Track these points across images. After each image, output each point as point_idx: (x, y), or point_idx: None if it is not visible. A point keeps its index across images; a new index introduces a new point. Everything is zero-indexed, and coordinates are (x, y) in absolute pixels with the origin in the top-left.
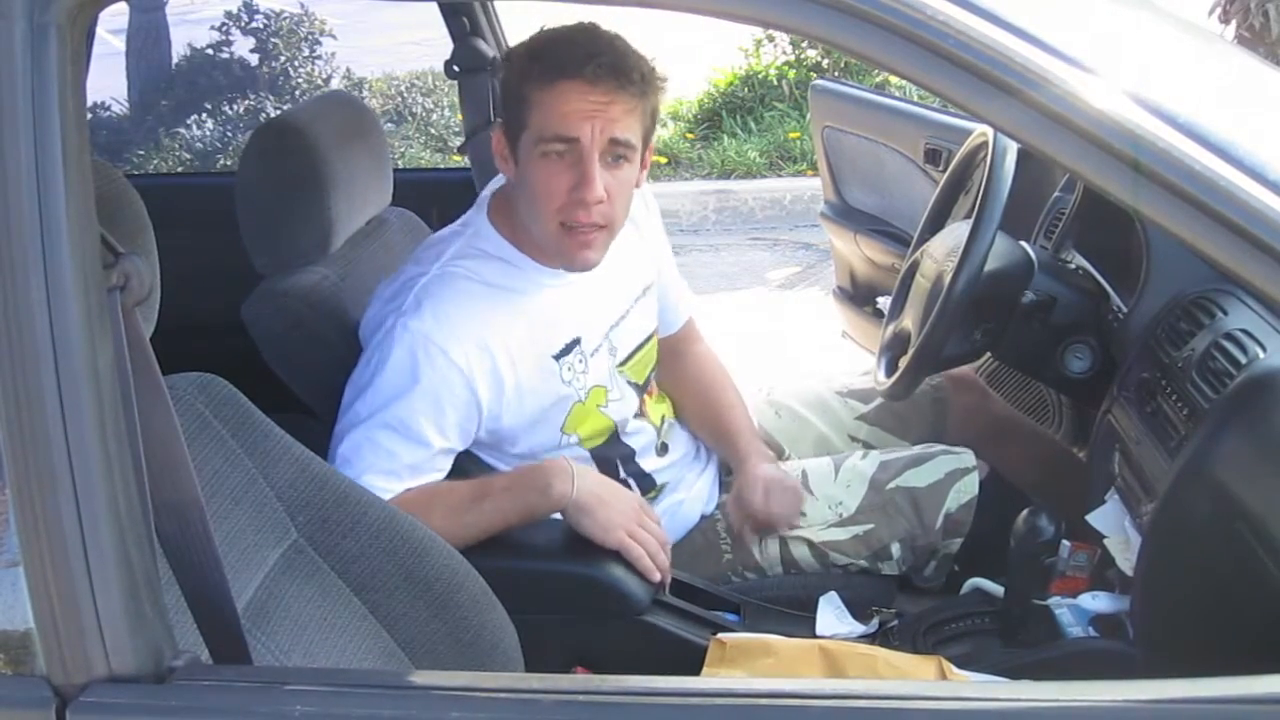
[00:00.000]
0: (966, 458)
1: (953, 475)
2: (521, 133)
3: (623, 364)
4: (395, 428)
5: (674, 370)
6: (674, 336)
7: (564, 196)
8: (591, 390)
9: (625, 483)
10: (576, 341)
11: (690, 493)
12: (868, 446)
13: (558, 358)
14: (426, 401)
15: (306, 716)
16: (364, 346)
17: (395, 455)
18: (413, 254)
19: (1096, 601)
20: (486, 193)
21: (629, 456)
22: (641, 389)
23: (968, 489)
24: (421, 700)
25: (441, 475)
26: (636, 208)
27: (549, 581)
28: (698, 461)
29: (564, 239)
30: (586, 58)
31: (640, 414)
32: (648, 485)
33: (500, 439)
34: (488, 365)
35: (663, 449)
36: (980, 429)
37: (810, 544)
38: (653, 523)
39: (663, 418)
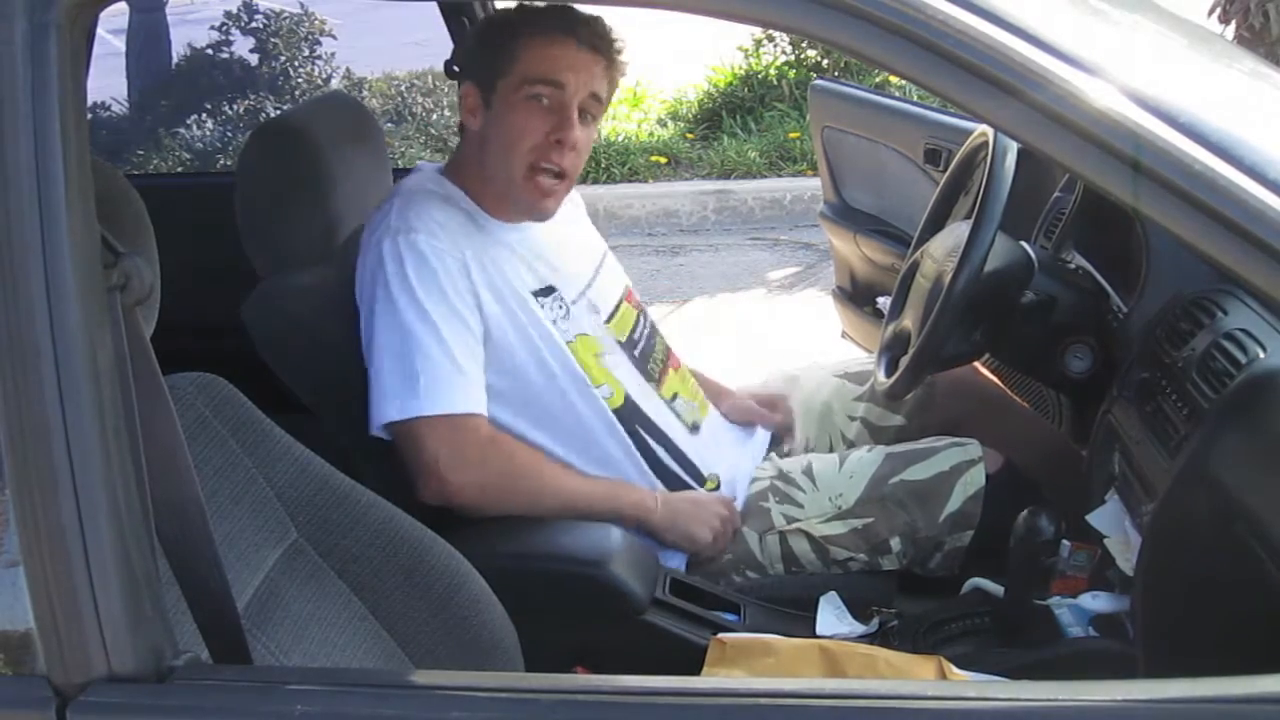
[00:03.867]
0: (973, 449)
1: (958, 468)
2: (500, 80)
3: (608, 321)
4: (425, 333)
5: None
6: None
7: (541, 138)
8: (579, 336)
9: (669, 471)
10: (553, 288)
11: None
12: (866, 423)
13: (536, 296)
14: (440, 288)
15: (306, 716)
16: (361, 304)
17: (434, 359)
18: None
19: (1096, 601)
20: (415, 177)
21: (657, 431)
22: (631, 349)
23: (974, 480)
24: (421, 700)
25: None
26: (574, 194)
27: (549, 581)
28: (747, 447)
29: (529, 183)
30: (581, 21)
31: (650, 379)
32: (695, 475)
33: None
34: (477, 272)
35: (694, 428)
36: (968, 403)
37: (810, 537)
38: (726, 513)
39: (675, 394)
